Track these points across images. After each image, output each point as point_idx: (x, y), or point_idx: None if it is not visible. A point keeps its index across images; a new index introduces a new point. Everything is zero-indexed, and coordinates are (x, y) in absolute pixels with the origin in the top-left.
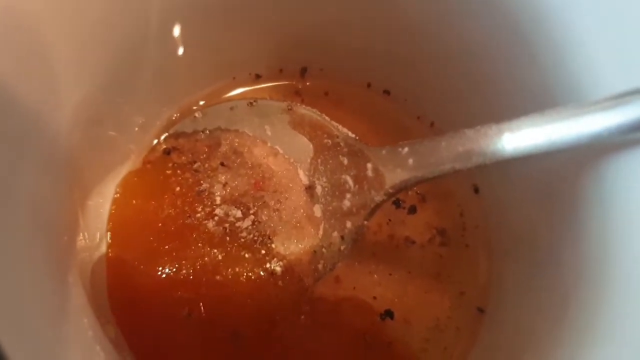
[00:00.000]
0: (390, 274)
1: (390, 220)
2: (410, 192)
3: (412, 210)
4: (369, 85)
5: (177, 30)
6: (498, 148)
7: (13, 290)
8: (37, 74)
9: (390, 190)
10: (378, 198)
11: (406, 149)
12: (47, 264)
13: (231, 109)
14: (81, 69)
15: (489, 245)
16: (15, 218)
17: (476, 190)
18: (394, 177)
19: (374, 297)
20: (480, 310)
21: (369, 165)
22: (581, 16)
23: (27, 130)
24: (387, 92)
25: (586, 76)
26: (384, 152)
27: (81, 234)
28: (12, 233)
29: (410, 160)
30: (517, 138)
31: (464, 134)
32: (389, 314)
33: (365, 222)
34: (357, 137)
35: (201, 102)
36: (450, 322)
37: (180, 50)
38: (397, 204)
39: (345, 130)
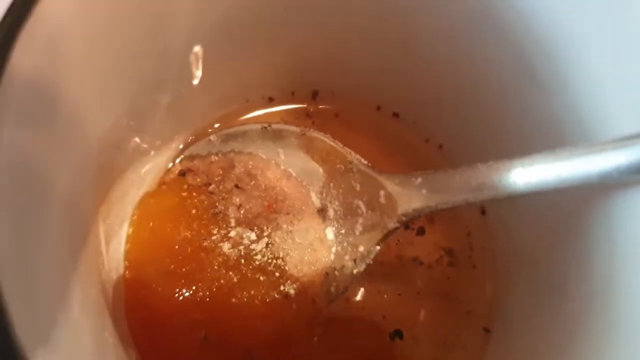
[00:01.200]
0: (400, 294)
1: (399, 241)
2: None
3: (421, 231)
4: (378, 107)
5: (195, 58)
6: (509, 183)
7: (40, 293)
8: (73, 98)
9: (403, 218)
10: (391, 225)
11: (419, 179)
12: (73, 272)
13: (245, 132)
14: (109, 97)
15: (495, 267)
16: (50, 218)
17: (483, 212)
18: (406, 205)
19: (384, 317)
20: (487, 330)
21: (382, 192)
22: (592, 55)
23: (69, 141)
24: (396, 114)
25: (595, 115)
26: (396, 180)
27: (103, 255)
28: (46, 233)
29: (424, 190)
30: (529, 174)
31: (476, 168)
32: (398, 333)
33: (378, 247)
34: (369, 163)
35: (216, 125)
36: (458, 341)
37: (198, 77)
38: (406, 225)
39: (357, 156)
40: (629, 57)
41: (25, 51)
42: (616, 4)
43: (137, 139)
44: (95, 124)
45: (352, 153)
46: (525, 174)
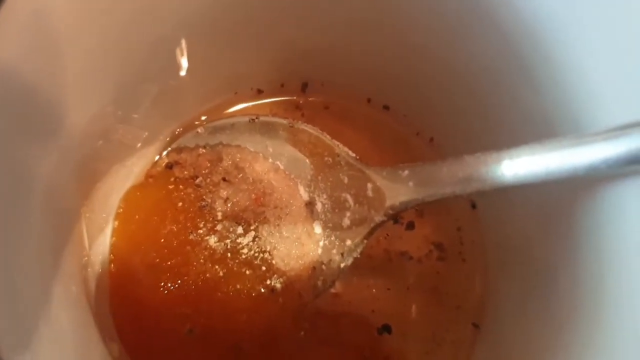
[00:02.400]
0: (389, 289)
1: (388, 235)
2: None
3: (410, 226)
4: (369, 100)
5: (182, 48)
6: (497, 175)
7: (18, 292)
8: (54, 82)
9: (390, 211)
10: (378, 218)
11: (407, 172)
12: (55, 269)
13: (233, 124)
14: (93, 84)
15: (485, 261)
16: (31, 212)
17: (473, 206)
18: (394, 198)
19: (372, 312)
20: (476, 326)
21: (369, 185)
22: (584, 47)
23: (49, 131)
24: (386, 107)
25: (586, 106)
26: (384, 173)
27: (85, 249)
28: (27, 228)
29: (411, 183)
30: (516, 166)
31: (464, 160)
32: (386, 328)
33: (365, 241)
34: (357, 156)
35: (204, 117)
36: (447, 336)
37: (185, 67)
38: (395, 219)
39: (345, 149)
40: (620, 50)
41: (6, 25)
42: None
43: (122, 130)
44: (78, 112)
45: (340, 145)
46: (513, 166)
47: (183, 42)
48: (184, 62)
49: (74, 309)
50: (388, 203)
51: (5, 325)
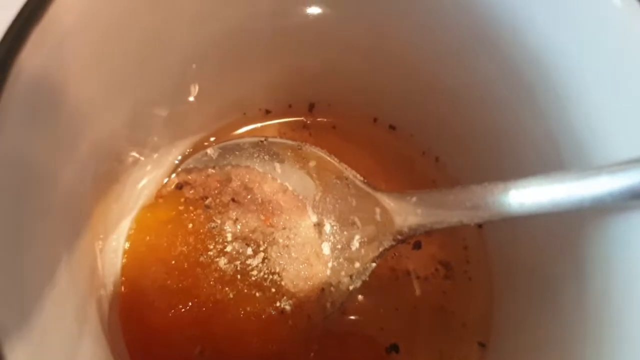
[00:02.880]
0: (397, 309)
1: (395, 254)
2: None
3: (417, 245)
4: (375, 120)
5: (192, 73)
6: (504, 205)
7: (34, 310)
8: (79, 96)
9: (399, 237)
10: (387, 243)
11: (414, 199)
12: (70, 286)
13: (241, 145)
14: (108, 105)
15: (491, 280)
16: (48, 224)
17: (480, 226)
18: (402, 224)
19: (380, 331)
20: (482, 345)
21: (377, 210)
22: (590, 79)
23: (71, 142)
24: (392, 127)
25: (592, 138)
26: (392, 198)
27: (99, 270)
28: (43, 241)
29: (419, 210)
30: (523, 197)
31: (471, 189)
32: (394, 348)
33: (374, 265)
34: (365, 177)
35: (213, 138)
36: (454, 354)
37: (195, 91)
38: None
39: (353, 172)
40: (627, 82)
41: (36, 49)
42: (614, 29)
43: (135, 152)
44: (95, 130)
45: (348, 169)
46: (520, 197)
47: (193, 68)
48: (194, 87)
49: (90, 331)
50: (396, 228)
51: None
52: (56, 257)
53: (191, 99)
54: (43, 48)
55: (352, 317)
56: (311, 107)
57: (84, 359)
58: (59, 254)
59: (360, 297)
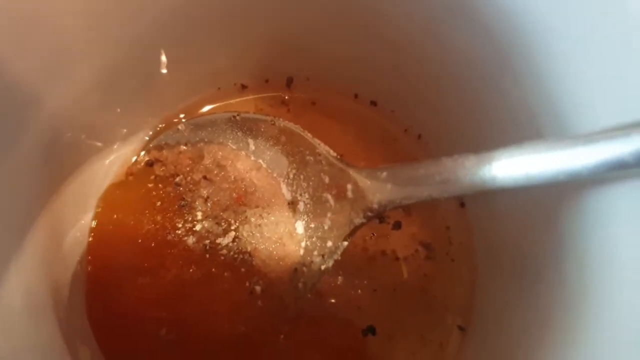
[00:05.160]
0: (375, 290)
1: (374, 234)
2: None
3: (397, 225)
4: (356, 95)
5: (163, 40)
6: (475, 179)
7: None
8: (34, 60)
9: (369, 213)
10: (357, 220)
11: (385, 173)
12: (16, 268)
13: (214, 121)
14: (74, 68)
15: (473, 261)
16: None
17: (462, 205)
18: (373, 200)
19: (357, 313)
20: (462, 329)
21: (349, 186)
22: (569, 49)
23: (19, 115)
24: (374, 102)
25: (571, 108)
26: (363, 173)
27: (58, 249)
28: None
29: (389, 185)
30: (495, 170)
31: (441, 162)
32: (371, 329)
33: (345, 243)
34: (342, 153)
35: (185, 114)
36: (434, 337)
37: (166, 60)
38: (381, 218)
39: (327, 147)
40: (606, 51)
41: None
42: None
43: (104, 124)
44: (58, 95)
45: (322, 144)
46: (492, 170)
47: (161, 35)
48: (165, 57)
49: (35, 315)
50: (367, 204)
51: None
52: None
53: (162, 70)
54: None
55: (328, 300)
56: (289, 81)
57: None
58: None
59: (337, 278)
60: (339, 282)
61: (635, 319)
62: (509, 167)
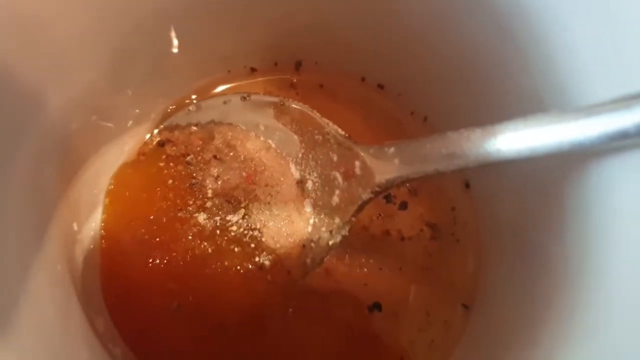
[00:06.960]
0: (380, 268)
1: (380, 214)
2: (401, 187)
3: (403, 205)
4: (363, 79)
5: (173, 23)
6: (480, 152)
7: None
8: (40, 54)
9: (377, 189)
10: (365, 196)
11: (392, 149)
12: (37, 246)
13: (225, 102)
14: (82, 57)
15: (478, 240)
16: (9, 196)
17: (467, 185)
18: (380, 176)
19: (363, 290)
20: (466, 307)
21: (357, 163)
22: (571, 22)
23: (27, 111)
24: (381, 86)
25: (573, 81)
26: (371, 150)
27: (75, 226)
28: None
29: (396, 160)
30: (500, 143)
31: (447, 136)
32: (377, 306)
33: (353, 219)
34: (349, 134)
35: (196, 95)
36: (439, 315)
37: (176, 43)
38: (388, 198)
39: (335, 127)
40: (607, 23)
41: None
42: None
43: (115, 107)
44: (70, 83)
45: (330, 123)
46: (497, 143)
47: (174, 19)
48: (175, 40)
49: (56, 286)
50: (375, 180)
51: None
52: (22, 214)
53: (173, 51)
54: None
55: (335, 276)
56: (298, 65)
57: (51, 317)
58: (24, 210)
59: (344, 256)
60: (346, 260)
61: (634, 290)
62: (514, 140)
